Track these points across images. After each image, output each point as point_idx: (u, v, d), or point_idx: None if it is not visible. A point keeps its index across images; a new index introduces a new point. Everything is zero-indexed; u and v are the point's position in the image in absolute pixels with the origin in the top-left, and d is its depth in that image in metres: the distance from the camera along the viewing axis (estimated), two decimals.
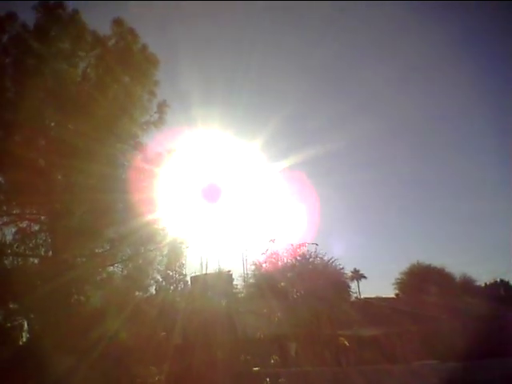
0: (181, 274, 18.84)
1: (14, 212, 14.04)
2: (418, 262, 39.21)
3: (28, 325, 14.40)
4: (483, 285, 43.25)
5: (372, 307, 26.33)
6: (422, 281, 34.83)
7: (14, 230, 14.04)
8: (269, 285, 20.61)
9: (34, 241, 14.09)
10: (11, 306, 14.03)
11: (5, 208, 13.86)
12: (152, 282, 16.40)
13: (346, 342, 8.20)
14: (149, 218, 14.49)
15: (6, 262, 13.96)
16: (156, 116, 15.44)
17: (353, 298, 27.01)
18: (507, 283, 44.14)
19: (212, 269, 20.42)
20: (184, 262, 17.64)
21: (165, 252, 15.76)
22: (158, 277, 17.04)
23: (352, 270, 41.69)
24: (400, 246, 62.76)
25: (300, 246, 17.66)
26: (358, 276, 47.68)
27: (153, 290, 17.19)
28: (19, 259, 14.06)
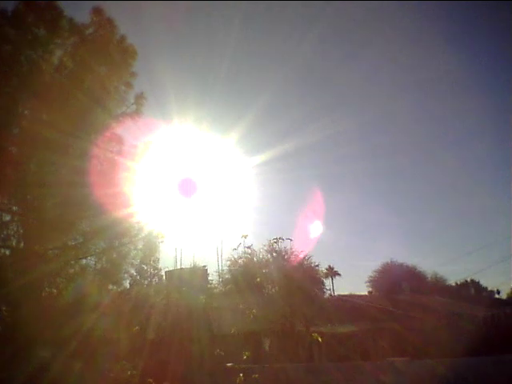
0: (155, 268, 18.74)
1: None
2: (390, 261, 39.85)
3: None
4: (454, 284, 44.29)
5: (345, 304, 26.62)
6: (394, 279, 35.39)
7: None
8: (244, 280, 20.64)
9: (5, 231, 13.71)
10: None
11: None
12: (126, 275, 16.24)
13: (319, 338, 8.20)
14: (123, 211, 14.27)
15: None
16: (133, 108, 15.17)
17: (327, 295, 27.28)
18: (477, 283, 45.34)
19: (187, 264, 20.36)
20: (159, 256, 17.51)
21: (139, 246, 15.58)
22: (133, 271, 16.89)
23: (326, 267, 42.12)
24: (374, 244, 63.74)
25: (275, 241, 17.67)
26: (332, 273, 48.23)
27: (127, 284, 17.04)
28: None
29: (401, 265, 39.42)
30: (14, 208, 14.14)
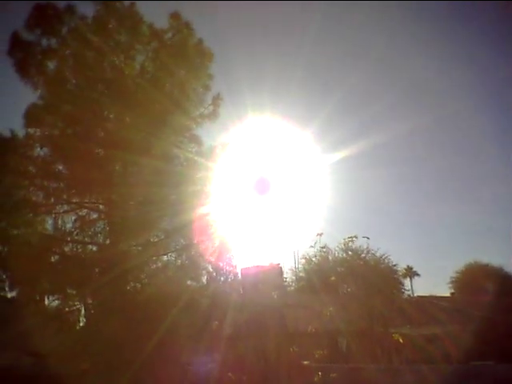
0: (231, 265, 19.01)
1: (74, 201, 14.48)
2: (475, 261, 37.82)
3: (85, 310, 14.82)
4: None
5: (426, 305, 25.60)
6: (479, 280, 33.52)
7: (73, 218, 14.56)
8: (319, 279, 20.43)
9: (92, 229, 14.56)
10: (69, 291, 14.57)
11: (65, 196, 14.35)
12: (204, 272, 16.59)
13: (400, 339, 7.94)
14: (202, 210, 14.63)
15: (65, 248, 14.49)
16: (210, 109, 15.57)
17: (405, 296, 26.39)
18: None
19: (262, 262, 20.48)
20: (234, 254, 17.77)
21: (216, 243, 15.87)
22: (210, 268, 17.23)
23: (405, 267, 40.72)
24: (456, 244, 60.74)
25: (350, 239, 17.30)
26: (411, 273, 46.58)
27: (204, 280, 17.41)
28: (78, 246, 14.55)
29: (486, 265, 37.35)
30: (101, 207, 14.97)
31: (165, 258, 15.27)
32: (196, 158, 15.01)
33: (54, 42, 14.06)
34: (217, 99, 15.54)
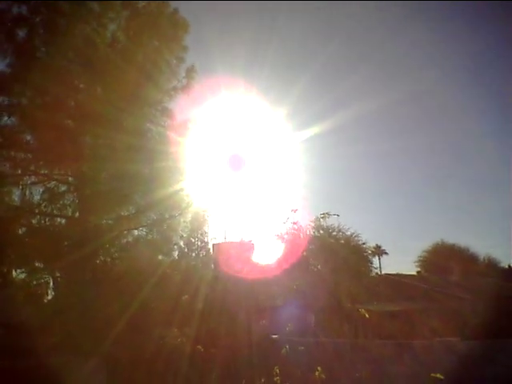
0: (203, 241, 19.06)
1: (42, 172, 14.19)
2: (442, 241, 38.88)
3: (54, 283, 14.68)
4: (507, 267, 42.65)
5: (393, 283, 26.25)
6: (445, 260, 34.53)
7: (41, 189, 14.22)
8: (290, 254, 20.65)
9: (61, 201, 14.29)
10: (37, 264, 14.37)
11: (33, 167, 14.03)
12: (175, 247, 16.59)
13: (367, 315, 8.09)
14: (174, 185, 14.52)
15: (33, 221, 14.23)
16: (184, 82, 15.27)
17: (374, 273, 26.98)
18: None
19: (234, 238, 20.59)
20: (206, 229, 17.80)
21: (188, 219, 15.83)
22: (181, 243, 17.24)
23: (374, 245, 41.47)
24: (423, 224, 62.10)
25: (322, 216, 17.47)
26: (379, 252, 47.48)
27: (175, 255, 17.42)
28: (46, 219, 14.29)
29: (452, 245, 38.44)
30: (70, 179, 14.66)
31: (136, 232, 15.19)
32: (168, 132, 14.80)
33: (24, 9, 13.55)
34: (191, 72, 15.25)
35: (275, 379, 7.03)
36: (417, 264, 40.91)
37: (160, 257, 15.78)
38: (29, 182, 14.04)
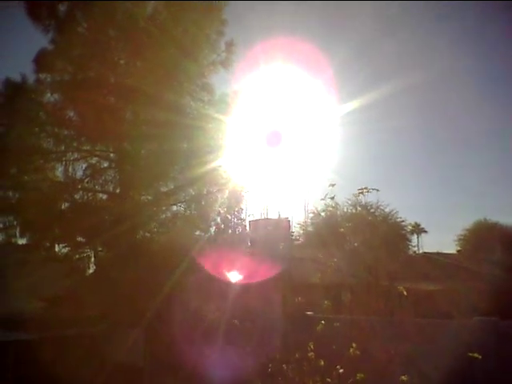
0: (239, 218, 19.14)
1: (84, 148, 14.44)
2: (484, 219, 37.84)
3: (95, 258, 15.07)
4: None
5: (431, 262, 25.85)
6: (486, 238, 33.62)
7: (84, 165, 14.54)
8: (327, 232, 20.58)
9: (103, 177, 14.56)
10: (79, 239, 14.79)
11: (75, 144, 14.29)
12: (212, 223, 16.72)
13: (404, 292, 7.98)
14: (212, 161, 14.53)
15: (76, 196, 14.57)
16: (223, 56, 15.12)
17: (412, 252, 26.65)
18: None
19: (271, 215, 20.63)
20: (243, 206, 17.85)
21: (226, 196, 15.89)
22: (218, 220, 17.35)
23: (413, 223, 40.75)
24: (466, 202, 60.46)
25: (360, 192, 17.20)
26: (418, 230, 46.75)
27: (212, 231, 17.58)
28: (89, 194, 14.61)
29: (494, 224, 37.35)
30: (111, 155, 14.91)
31: (174, 208, 15.37)
32: (207, 107, 14.75)
33: None
34: (230, 45, 15.06)
35: (309, 354, 7.06)
36: (457, 243, 40.09)
37: (197, 232, 15.98)
38: (72, 158, 14.31)
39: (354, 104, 19.07)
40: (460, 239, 39.96)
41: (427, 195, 63.46)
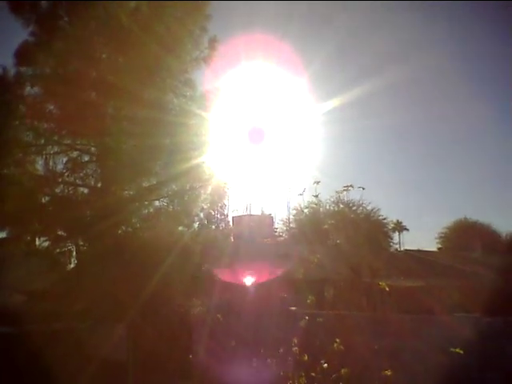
0: (222, 214, 19.12)
1: (65, 142, 14.27)
2: (464, 218, 38.40)
3: (76, 252, 14.93)
4: None
5: (412, 259, 26.14)
6: (466, 237, 34.13)
7: (64, 159, 14.37)
8: (310, 228, 20.67)
9: (84, 171, 14.43)
10: (60, 232, 14.62)
11: (56, 138, 14.11)
12: (195, 219, 16.67)
13: (386, 288, 8.08)
14: (196, 156, 14.50)
15: (56, 190, 14.39)
16: (206, 52, 15.13)
17: (393, 249, 26.92)
18: None
19: (254, 212, 20.66)
20: (226, 202, 17.84)
21: (209, 191, 15.86)
22: (201, 215, 17.31)
23: (395, 221, 41.13)
24: (446, 201, 61.37)
25: (345, 189, 17.33)
26: (400, 228, 47.21)
27: (195, 227, 17.53)
28: (69, 188, 14.45)
29: (474, 222, 37.93)
30: (93, 149, 14.77)
31: (157, 203, 15.29)
32: (190, 103, 14.72)
33: None
34: (213, 42, 15.08)
35: (294, 349, 7.11)
36: (438, 241, 40.61)
37: (180, 228, 15.90)
38: (52, 151, 14.12)
39: (336, 102, 19.28)
40: (441, 237, 40.54)
41: (408, 194, 64.27)
